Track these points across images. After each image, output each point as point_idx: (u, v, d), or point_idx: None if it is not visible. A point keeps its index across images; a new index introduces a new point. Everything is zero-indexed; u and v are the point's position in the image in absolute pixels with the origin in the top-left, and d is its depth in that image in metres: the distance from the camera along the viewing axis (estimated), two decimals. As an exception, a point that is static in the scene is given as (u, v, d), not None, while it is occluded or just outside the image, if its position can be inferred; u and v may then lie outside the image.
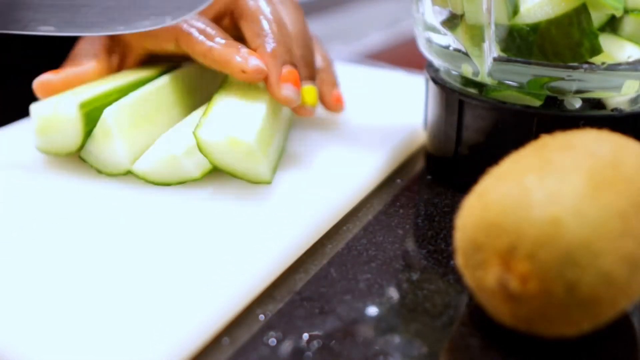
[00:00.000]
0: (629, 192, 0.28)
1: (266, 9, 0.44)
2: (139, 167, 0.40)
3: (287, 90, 0.42)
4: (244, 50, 0.42)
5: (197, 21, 0.44)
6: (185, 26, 0.43)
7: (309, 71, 0.46)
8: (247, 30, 0.44)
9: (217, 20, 0.46)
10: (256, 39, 0.43)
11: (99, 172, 0.41)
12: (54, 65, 0.45)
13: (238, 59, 0.42)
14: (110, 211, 0.38)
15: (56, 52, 0.49)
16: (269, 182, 0.40)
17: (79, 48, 0.46)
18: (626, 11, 0.37)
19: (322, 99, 0.49)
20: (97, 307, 0.30)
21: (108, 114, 0.40)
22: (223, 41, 0.43)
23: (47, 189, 0.40)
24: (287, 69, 0.42)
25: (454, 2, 0.40)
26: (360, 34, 1.07)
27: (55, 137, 0.41)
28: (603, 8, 0.37)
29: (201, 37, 0.43)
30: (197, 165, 0.40)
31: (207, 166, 0.40)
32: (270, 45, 0.43)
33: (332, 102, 0.49)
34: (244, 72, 0.41)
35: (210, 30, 0.43)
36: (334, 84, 0.50)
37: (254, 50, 0.43)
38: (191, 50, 0.43)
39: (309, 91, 0.44)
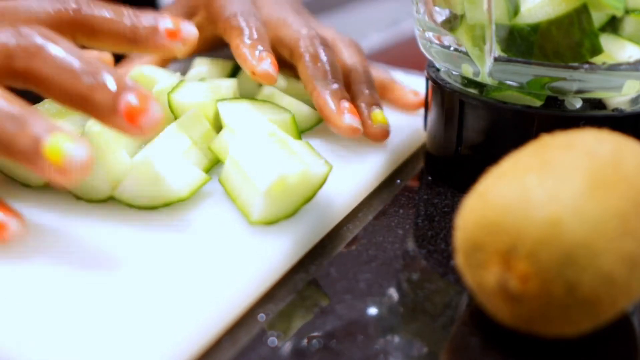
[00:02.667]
0: (629, 192, 0.28)
1: (322, 52, 0.47)
2: (121, 193, 0.37)
3: (348, 119, 0.44)
4: (261, 52, 0.44)
5: (243, 17, 0.46)
6: (234, 21, 0.46)
7: (372, 99, 0.47)
8: (303, 72, 0.46)
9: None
10: (313, 82, 0.46)
11: (78, 198, 0.38)
12: None
13: (251, 60, 0.43)
14: (108, 216, 0.38)
15: None
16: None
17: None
18: (627, 11, 0.37)
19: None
20: (96, 308, 0.30)
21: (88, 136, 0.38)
22: (249, 42, 0.44)
23: (44, 198, 0.40)
24: (344, 104, 0.44)
25: (455, 2, 0.40)
26: (360, 34, 1.07)
27: None
28: (604, 8, 0.37)
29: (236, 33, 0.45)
30: (185, 184, 0.37)
31: (195, 184, 0.38)
32: (325, 90, 0.45)
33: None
34: (253, 73, 0.43)
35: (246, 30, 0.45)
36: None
37: (311, 91, 0.46)
38: (229, 43, 0.46)
39: (377, 114, 0.46)
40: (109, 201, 0.38)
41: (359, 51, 0.52)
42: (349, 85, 0.48)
